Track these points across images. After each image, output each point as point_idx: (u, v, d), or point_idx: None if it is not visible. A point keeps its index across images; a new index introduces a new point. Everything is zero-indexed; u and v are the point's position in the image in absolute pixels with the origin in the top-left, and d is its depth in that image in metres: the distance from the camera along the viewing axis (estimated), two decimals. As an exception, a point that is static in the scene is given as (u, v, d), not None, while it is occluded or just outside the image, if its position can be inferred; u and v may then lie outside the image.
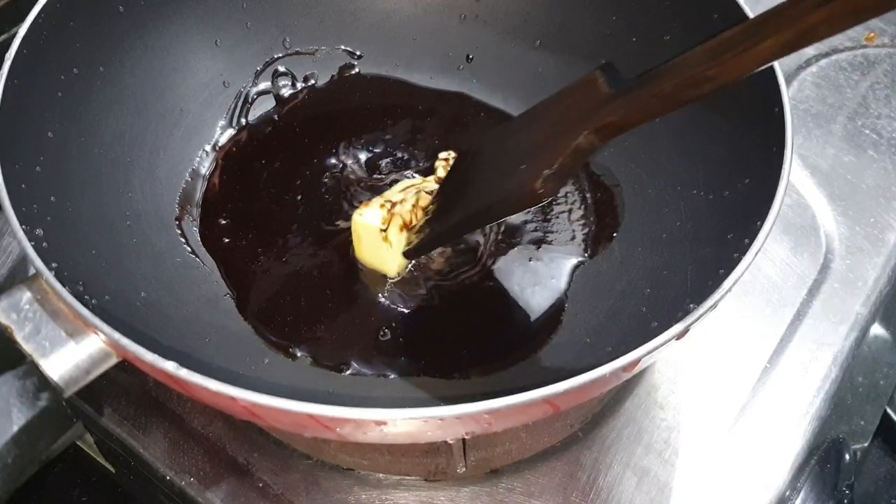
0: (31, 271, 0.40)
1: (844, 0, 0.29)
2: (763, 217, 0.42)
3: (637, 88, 0.38)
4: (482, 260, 0.58)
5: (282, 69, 0.67)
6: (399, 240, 0.55)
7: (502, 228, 0.60)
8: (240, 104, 0.65)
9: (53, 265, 0.40)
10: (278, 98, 0.67)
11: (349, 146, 0.65)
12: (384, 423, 0.35)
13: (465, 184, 0.52)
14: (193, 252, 0.57)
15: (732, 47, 0.33)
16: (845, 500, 0.55)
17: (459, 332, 0.54)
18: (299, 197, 0.61)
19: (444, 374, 0.52)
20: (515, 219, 0.60)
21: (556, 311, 0.55)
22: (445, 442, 0.51)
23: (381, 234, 0.54)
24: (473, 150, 0.54)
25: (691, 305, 0.39)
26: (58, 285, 0.38)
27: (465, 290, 0.57)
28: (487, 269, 0.57)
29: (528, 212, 0.60)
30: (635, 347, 0.36)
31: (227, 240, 0.59)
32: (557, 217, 0.60)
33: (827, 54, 0.77)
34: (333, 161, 0.64)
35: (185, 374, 0.35)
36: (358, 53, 0.69)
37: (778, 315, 0.60)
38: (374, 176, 0.63)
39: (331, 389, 0.51)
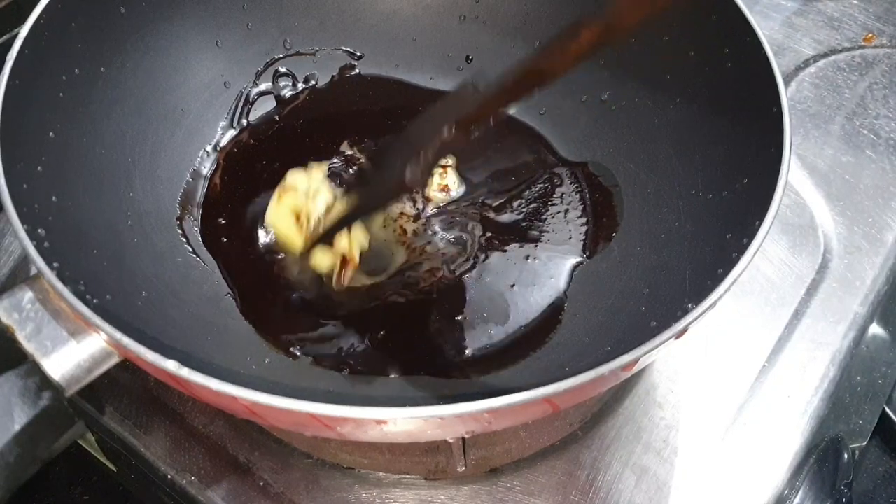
0: (33, 271, 0.40)
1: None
2: (761, 217, 0.42)
3: (490, 87, 0.44)
4: (480, 259, 0.58)
5: (282, 70, 0.67)
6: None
7: (502, 229, 0.60)
8: (241, 105, 0.65)
9: (55, 265, 0.40)
10: (279, 98, 0.67)
11: (349, 146, 0.65)
12: (384, 422, 0.35)
13: (369, 178, 0.57)
14: (194, 252, 0.57)
15: (555, 46, 0.39)
16: (844, 499, 0.55)
17: (459, 332, 0.55)
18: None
19: (444, 373, 0.53)
20: (515, 219, 0.60)
21: (555, 311, 0.55)
22: (445, 441, 0.51)
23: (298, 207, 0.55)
24: (381, 145, 0.60)
25: (690, 305, 0.39)
26: (59, 285, 0.38)
27: (465, 289, 0.57)
28: (486, 269, 0.58)
29: (529, 211, 0.60)
30: (634, 347, 0.37)
31: (226, 240, 0.59)
32: (556, 217, 0.60)
33: (825, 55, 0.78)
34: (334, 161, 0.64)
35: (186, 373, 0.35)
36: (358, 54, 0.69)
37: (776, 314, 0.60)
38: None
39: (331, 388, 0.52)
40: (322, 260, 0.54)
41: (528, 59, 0.41)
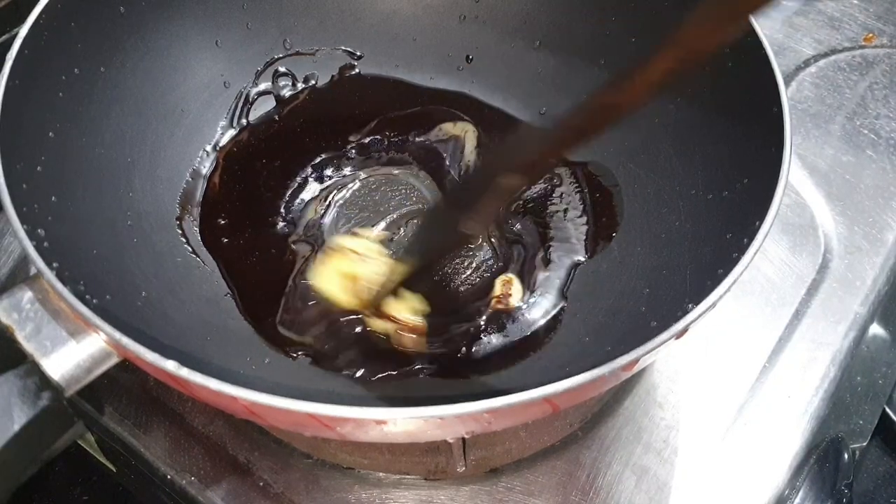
0: (33, 271, 0.40)
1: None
2: (762, 217, 0.42)
3: (555, 128, 0.41)
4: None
5: (282, 69, 0.67)
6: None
7: (502, 228, 0.60)
8: (240, 104, 0.65)
9: (54, 265, 0.40)
10: (279, 98, 0.67)
11: (350, 146, 0.65)
12: (384, 423, 0.35)
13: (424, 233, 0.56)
14: (194, 252, 0.57)
15: (626, 76, 0.35)
16: (844, 500, 0.55)
17: (458, 332, 0.54)
18: (299, 197, 0.61)
19: (444, 373, 0.53)
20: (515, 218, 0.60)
21: (555, 311, 0.55)
22: (445, 441, 0.51)
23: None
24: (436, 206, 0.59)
25: (690, 305, 0.39)
26: (59, 285, 0.38)
27: (465, 289, 0.57)
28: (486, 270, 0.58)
29: (529, 211, 0.60)
30: (634, 347, 0.37)
31: (226, 239, 0.59)
32: (556, 217, 0.60)
33: (826, 55, 0.77)
34: (335, 160, 0.64)
35: (185, 373, 0.35)
36: (358, 54, 0.69)
37: (777, 315, 0.60)
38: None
39: (331, 389, 0.52)
40: (378, 325, 0.54)
41: (599, 94, 0.37)
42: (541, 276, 0.57)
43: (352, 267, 0.54)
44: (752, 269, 0.40)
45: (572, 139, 0.40)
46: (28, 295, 0.40)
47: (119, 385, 0.56)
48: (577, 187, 0.62)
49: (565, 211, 0.61)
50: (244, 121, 0.65)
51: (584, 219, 0.60)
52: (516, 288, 0.56)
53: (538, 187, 0.62)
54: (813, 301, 0.61)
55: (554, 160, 0.42)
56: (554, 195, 0.62)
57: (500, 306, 0.55)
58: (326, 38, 0.68)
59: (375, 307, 0.53)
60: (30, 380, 0.38)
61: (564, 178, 0.62)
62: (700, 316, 0.38)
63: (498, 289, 0.55)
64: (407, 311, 0.54)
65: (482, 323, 0.55)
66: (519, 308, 0.55)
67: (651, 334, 0.37)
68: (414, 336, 0.54)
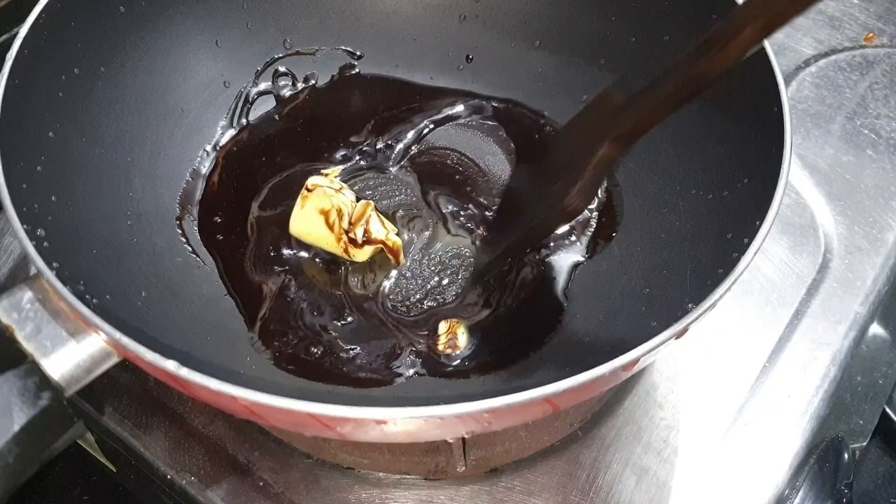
0: (33, 271, 0.40)
1: None
2: (762, 217, 0.42)
3: (642, 96, 0.41)
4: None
5: (282, 69, 0.67)
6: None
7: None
8: (240, 104, 0.65)
9: (54, 265, 0.40)
10: (279, 98, 0.67)
11: (350, 146, 0.65)
12: (384, 422, 0.35)
13: (510, 214, 0.56)
14: (194, 252, 0.57)
15: (714, 44, 0.36)
16: (844, 499, 0.55)
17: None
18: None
19: (444, 373, 0.53)
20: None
21: (555, 311, 0.55)
22: (445, 441, 0.51)
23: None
24: (512, 182, 0.58)
25: (690, 305, 0.39)
26: (59, 285, 0.38)
27: (464, 289, 0.57)
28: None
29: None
30: (634, 347, 0.37)
31: (226, 239, 0.59)
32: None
33: (826, 54, 0.77)
34: (335, 160, 0.64)
35: (185, 373, 0.35)
36: (358, 53, 0.69)
37: (777, 314, 0.60)
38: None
39: (331, 388, 0.52)
40: (360, 254, 0.56)
41: (685, 63, 0.38)
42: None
43: (328, 201, 0.56)
44: (752, 268, 0.40)
45: (664, 109, 0.40)
46: (28, 295, 0.40)
47: (119, 385, 0.56)
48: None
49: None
50: (244, 120, 0.65)
51: (585, 218, 0.60)
52: (462, 335, 0.54)
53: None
54: (813, 301, 0.61)
55: (647, 130, 0.41)
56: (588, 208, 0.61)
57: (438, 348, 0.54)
58: (326, 38, 0.68)
59: (355, 238, 0.55)
60: (30, 380, 0.38)
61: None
62: (700, 316, 0.38)
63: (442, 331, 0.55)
64: (384, 232, 0.56)
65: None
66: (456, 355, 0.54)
67: (651, 334, 0.37)
68: (394, 256, 0.57)
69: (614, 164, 0.43)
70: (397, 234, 0.58)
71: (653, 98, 0.40)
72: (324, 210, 0.55)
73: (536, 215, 0.50)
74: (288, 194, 0.60)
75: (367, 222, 0.56)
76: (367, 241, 0.56)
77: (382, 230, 0.56)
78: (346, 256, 0.56)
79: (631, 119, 0.41)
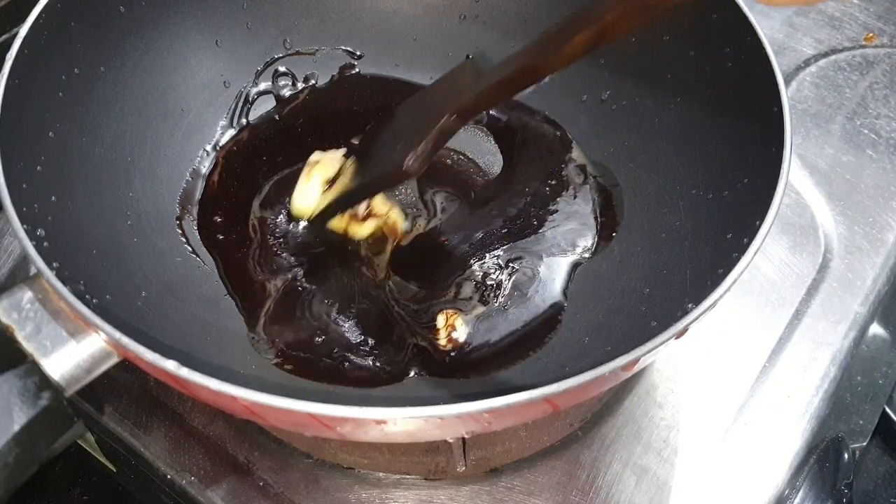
0: (33, 271, 0.40)
1: None
2: (762, 217, 0.42)
3: (486, 76, 0.44)
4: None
5: (282, 69, 0.67)
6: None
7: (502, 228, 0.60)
8: (240, 104, 0.65)
9: (54, 265, 0.40)
10: (279, 98, 0.67)
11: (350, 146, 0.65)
12: (384, 422, 0.35)
13: (365, 158, 0.57)
14: (194, 252, 0.57)
15: (549, 43, 0.40)
16: (844, 499, 0.55)
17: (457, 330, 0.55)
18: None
19: (443, 373, 0.53)
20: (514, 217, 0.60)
21: (555, 311, 0.55)
22: (445, 441, 0.51)
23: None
24: (371, 130, 0.59)
25: (690, 305, 0.39)
26: (59, 285, 0.38)
27: (465, 289, 0.57)
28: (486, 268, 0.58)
29: (528, 210, 0.60)
30: (634, 347, 0.37)
31: (226, 239, 0.59)
32: (557, 216, 0.60)
33: (826, 54, 0.77)
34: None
35: (185, 373, 0.35)
36: (358, 53, 0.69)
37: (777, 314, 0.60)
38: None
39: (331, 388, 0.52)
40: (361, 230, 0.57)
41: (525, 54, 0.41)
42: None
43: (332, 169, 0.56)
44: (752, 268, 0.40)
45: (503, 91, 0.43)
46: (28, 295, 0.40)
47: (119, 385, 0.56)
48: (577, 187, 0.62)
49: (566, 210, 0.60)
50: (244, 120, 0.65)
51: (585, 219, 0.60)
52: (460, 327, 0.55)
53: (539, 185, 0.62)
54: (813, 301, 0.61)
55: (487, 108, 0.45)
56: (554, 194, 0.62)
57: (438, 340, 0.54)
58: (326, 38, 0.68)
59: (356, 213, 0.56)
60: (30, 380, 0.38)
61: (565, 178, 0.62)
62: (700, 316, 0.38)
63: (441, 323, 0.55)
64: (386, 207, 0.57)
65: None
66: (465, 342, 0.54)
67: (651, 334, 0.37)
68: (392, 234, 0.57)
69: (450, 135, 0.46)
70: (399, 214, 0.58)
71: (492, 80, 0.43)
72: (328, 180, 0.55)
73: (377, 169, 0.52)
74: (289, 193, 0.60)
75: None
76: (370, 215, 0.56)
77: (385, 206, 0.57)
78: (344, 232, 0.56)
79: (471, 95, 0.44)
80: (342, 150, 0.59)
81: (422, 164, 0.46)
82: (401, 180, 0.51)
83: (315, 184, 0.56)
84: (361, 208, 0.56)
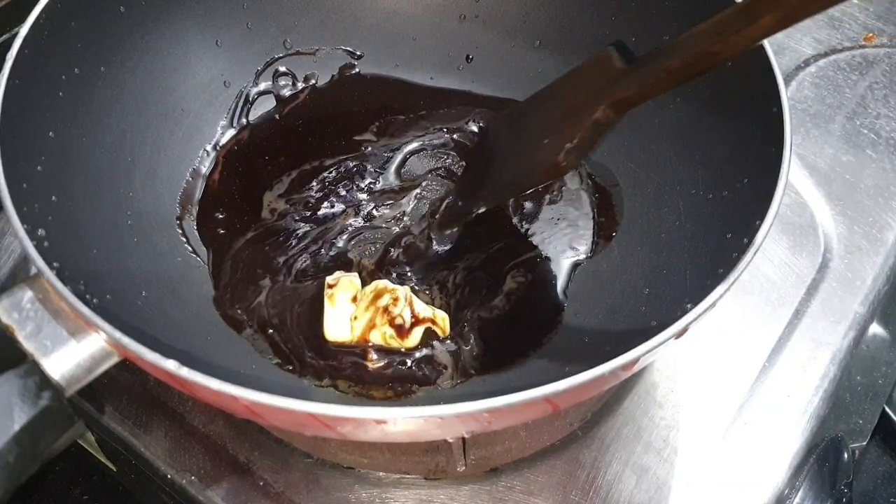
0: (33, 271, 0.40)
1: None
2: (762, 216, 0.42)
3: (647, 65, 0.41)
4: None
5: (282, 69, 0.67)
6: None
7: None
8: (240, 104, 0.65)
9: (55, 265, 0.40)
10: (279, 98, 0.67)
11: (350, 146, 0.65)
12: (384, 422, 0.35)
13: (488, 160, 0.54)
14: (194, 251, 0.57)
15: (731, 25, 0.36)
16: (844, 499, 0.55)
17: (459, 332, 0.55)
18: (300, 196, 0.62)
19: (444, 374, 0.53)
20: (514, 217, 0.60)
21: (555, 311, 0.55)
22: (445, 440, 0.51)
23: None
24: (494, 128, 0.56)
25: (690, 305, 0.39)
26: (59, 285, 0.38)
27: (465, 289, 0.57)
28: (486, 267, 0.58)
29: (527, 209, 0.60)
30: (634, 347, 0.37)
31: (225, 238, 0.59)
32: (556, 216, 0.60)
33: (825, 54, 0.77)
34: (335, 160, 0.64)
35: (186, 372, 0.35)
36: (358, 53, 0.69)
37: (776, 314, 0.60)
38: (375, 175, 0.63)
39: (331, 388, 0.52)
40: (409, 341, 0.53)
41: (698, 38, 0.38)
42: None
43: (354, 286, 0.54)
44: (752, 268, 0.40)
45: (668, 82, 0.39)
46: (28, 294, 0.40)
47: (119, 385, 0.56)
48: (577, 187, 0.62)
49: (566, 210, 0.61)
50: (244, 120, 0.65)
51: (585, 219, 0.60)
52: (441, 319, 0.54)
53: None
54: (813, 301, 0.61)
55: (647, 97, 0.41)
56: (555, 194, 0.62)
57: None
58: (326, 38, 0.68)
59: (402, 323, 0.53)
60: (30, 379, 0.38)
61: (564, 178, 0.62)
62: (700, 316, 0.38)
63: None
64: (430, 310, 0.54)
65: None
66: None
67: (651, 334, 0.37)
68: (441, 329, 0.54)
69: (609, 128, 0.43)
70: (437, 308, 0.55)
71: (658, 69, 0.40)
72: (354, 297, 0.53)
73: (521, 167, 0.50)
74: (291, 192, 0.60)
75: (411, 303, 0.53)
76: (416, 321, 0.53)
77: (427, 308, 0.54)
78: (395, 344, 0.53)
79: (632, 86, 0.41)
80: (355, 274, 0.57)
81: (578, 157, 0.44)
82: (555, 175, 0.48)
83: (342, 308, 0.53)
84: (406, 315, 0.52)
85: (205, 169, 0.62)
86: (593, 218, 0.60)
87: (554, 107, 0.47)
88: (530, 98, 0.50)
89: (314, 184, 0.62)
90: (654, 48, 0.40)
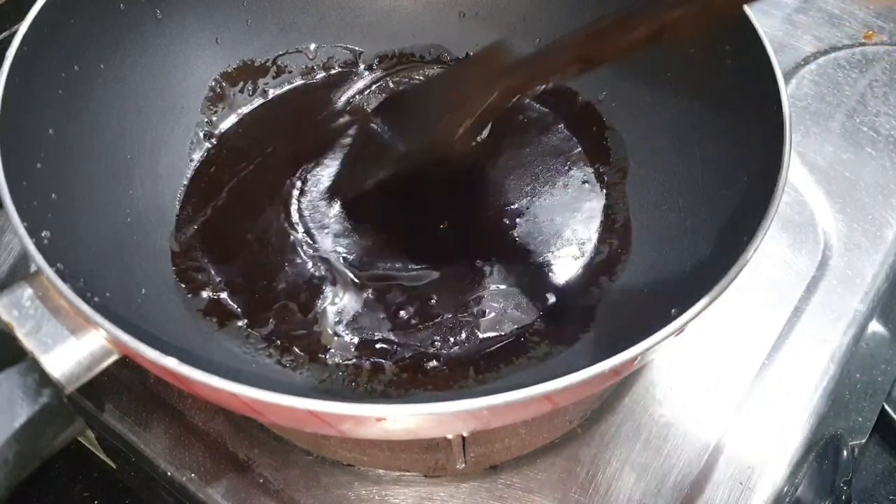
0: (33, 268, 0.40)
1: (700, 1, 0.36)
2: (761, 214, 0.42)
3: (534, 60, 0.45)
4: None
5: (282, 66, 0.67)
6: None
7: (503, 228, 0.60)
8: (240, 101, 0.65)
9: (55, 262, 0.40)
10: (279, 95, 0.67)
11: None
12: (384, 419, 0.35)
13: (397, 123, 0.57)
14: (194, 249, 0.57)
15: (607, 35, 0.40)
16: (843, 497, 0.55)
17: (453, 330, 0.55)
18: (298, 193, 0.62)
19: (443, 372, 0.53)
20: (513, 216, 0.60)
21: (553, 309, 0.55)
22: (445, 438, 0.51)
23: None
24: (398, 99, 0.60)
25: (689, 303, 0.39)
26: (59, 282, 0.38)
27: (464, 289, 0.57)
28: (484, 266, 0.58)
29: (526, 205, 0.60)
30: (633, 344, 0.37)
31: (220, 229, 0.59)
32: (556, 215, 0.60)
33: (825, 52, 0.77)
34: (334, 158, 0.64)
35: (186, 370, 0.35)
36: (358, 50, 0.69)
37: (776, 312, 0.60)
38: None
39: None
40: None
41: (576, 41, 0.41)
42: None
43: None
44: (752, 266, 0.40)
45: (546, 77, 0.45)
46: (28, 292, 0.40)
47: (119, 382, 0.56)
48: (577, 185, 0.62)
49: (566, 209, 0.61)
50: (244, 118, 0.65)
51: (585, 218, 0.60)
52: None
53: (539, 184, 0.62)
54: (812, 298, 0.61)
55: (533, 86, 0.46)
56: (555, 192, 0.62)
57: None
58: (326, 36, 0.68)
59: None
60: (30, 377, 0.38)
61: (566, 177, 0.62)
62: (699, 313, 0.38)
63: None
64: None
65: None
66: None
67: (649, 332, 0.37)
68: None
69: (498, 113, 0.47)
70: None
71: (540, 66, 0.45)
72: None
73: (419, 142, 0.53)
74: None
75: None
76: None
77: None
78: None
79: (521, 77, 0.46)
80: None
81: (470, 138, 0.47)
82: (446, 154, 0.51)
83: None
84: None
85: (203, 165, 0.62)
86: (592, 216, 0.60)
87: (452, 91, 0.51)
88: (433, 78, 0.55)
89: (314, 182, 0.62)
90: (545, 45, 0.44)
